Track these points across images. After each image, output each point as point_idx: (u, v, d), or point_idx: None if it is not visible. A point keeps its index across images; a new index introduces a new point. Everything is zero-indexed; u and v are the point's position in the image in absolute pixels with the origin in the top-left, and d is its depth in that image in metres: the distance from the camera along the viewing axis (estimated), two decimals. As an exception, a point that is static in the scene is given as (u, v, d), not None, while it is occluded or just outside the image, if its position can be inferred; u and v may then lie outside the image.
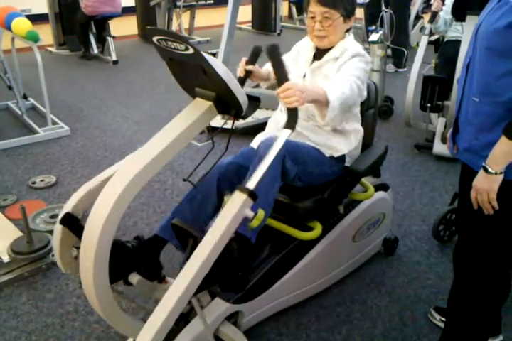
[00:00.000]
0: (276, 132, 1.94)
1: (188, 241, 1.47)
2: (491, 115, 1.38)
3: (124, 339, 1.73)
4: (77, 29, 5.94)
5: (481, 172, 1.37)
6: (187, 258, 1.40)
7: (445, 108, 3.42)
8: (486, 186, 1.36)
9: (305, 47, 1.94)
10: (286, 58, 2.00)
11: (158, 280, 1.68)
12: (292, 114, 1.47)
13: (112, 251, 1.46)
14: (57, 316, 2.01)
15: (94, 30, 6.08)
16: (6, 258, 2.25)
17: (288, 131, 1.46)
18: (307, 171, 1.80)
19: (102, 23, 5.94)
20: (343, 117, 1.81)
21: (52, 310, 2.05)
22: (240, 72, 1.82)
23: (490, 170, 1.34)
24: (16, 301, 2.09)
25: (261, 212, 1.51)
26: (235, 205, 1.35)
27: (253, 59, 1.84)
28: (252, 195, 1.35)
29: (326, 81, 1.79)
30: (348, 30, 1.86)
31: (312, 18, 1.78)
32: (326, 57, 1.84)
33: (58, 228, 1.54)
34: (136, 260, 1.62)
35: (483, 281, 1.56)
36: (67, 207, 1.57)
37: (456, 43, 3.45)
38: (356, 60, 1.78)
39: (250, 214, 1.36)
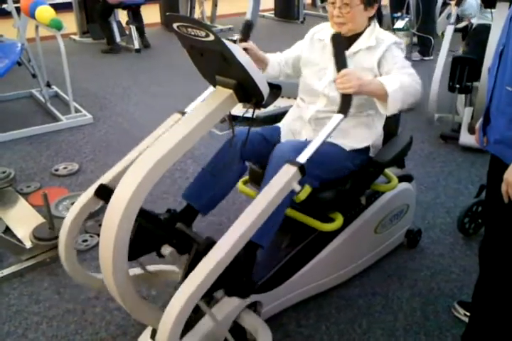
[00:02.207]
0: (297, 124, 1.92)
1: (191, 246, 1.48)
2: None
3: (144, 326, 1.73)
4: (98, 21, 5.91)
5: None
6: (190, 262, 1.43)
7: (474, 89, 3.32)
8: None
9: (325, 36, 1.87)
10: (300, 47, 1.96)
11: (189, 252, 1.70)
12: (346, 100, 1.55)
13: (145, 223, 1.53)
14: (78, 302, 2.03)
15: (117, 18, 6.09)
16: (28, 244, 2.28)
17: (340, 116, 1.53)
18: (326, 169, 1.76)
19: (135, 11, 5.86)
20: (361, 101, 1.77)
21: (73, 296, 2.07)
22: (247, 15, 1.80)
23: None
24: (37, 287, 2.12)
25: (308, 187, 1.54)
26: (284, 177, 1.42)
27: (245, 35, 1.81)
28: (301, 168, 1.43)
29: (364, 72, 1.73)
30: (372, 18, 1.80)
31: (332, 3, 1.75)
32: (358, 46, 1.79)
33: (68, 218, 1.57)
34: (168, 232, 1.64)
35: (510, 277, 1.52)
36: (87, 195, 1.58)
37: (485, 28, 3.34)
38: (395, 49, 1.76)
39: (297, 187, 1.43)
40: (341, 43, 1.56)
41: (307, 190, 1.52)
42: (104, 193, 1.58)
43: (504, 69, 1.37)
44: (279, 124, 2.00)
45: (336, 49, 1.56)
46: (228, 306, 1.66)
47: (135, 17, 5.90)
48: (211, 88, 1.74)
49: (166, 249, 1.59)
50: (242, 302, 1.69)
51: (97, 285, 1.74)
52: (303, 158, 1.45)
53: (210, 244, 1.40)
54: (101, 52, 5.88)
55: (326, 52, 1.85)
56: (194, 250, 1.47)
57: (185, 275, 1.37)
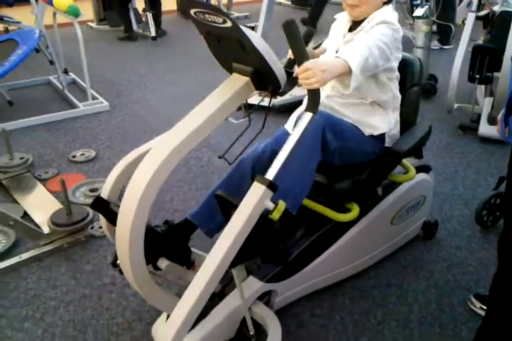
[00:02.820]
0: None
1: (231, 213, 1.42)
2: None
3: (159, 312, 1.75)
4: (116, 8, 5.88)
5: None
6: None
7: (494, 80, 3.25)
8: None
9: (342, 20, 1.86)
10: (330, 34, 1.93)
11: (187, 265, 1.68)
12: (313, 96, 1.39)
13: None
14: (95, 288, 2.06)
15: (134, 6, 6.07)
16: (46, 230, 2.31)
17: (309, 115, 1.40)
18: (347, 147, 1.74)
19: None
20: (369, 85, 1.72)
21: (89, 281, 2.09)
22: (291, 53, 1.69)
23: None
24: (55, 272, 2.15)
25: (282, 204, 1.35)
26: (254, 196, 1.34)
27: (305, 40, 1.75)
28: (271, 185, 1.32)
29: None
30: (386, 3, 1.75)
31: None
32: (359, 28, 1.76)
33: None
34: (166, 244, 1.61)
35: None
36: (108, 184, 1.58)
37: (509, 15, 3.26)
38: (382, 26, 1.67)
39: (270, 205, 1.33)
40: (296, 31, 1.33)
41: (281, 208, 1.34)
42: (101, 206, 1.55)
43: None
44: (291, 116, 1.96)
45: (289, 38, 1.34)
46: (248, 290, 1.67)
47: (152, 4, 5.87)
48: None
49: (163, 262, 1.57)
50: (261, 286, 1.71)
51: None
52: (271, 173, 1.34)
53: None
54: (118, 39, 5.88)
55: (337, 35, 1.83)
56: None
57: None
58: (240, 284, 1.56)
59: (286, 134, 1.82)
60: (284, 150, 1.38)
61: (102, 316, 1.91)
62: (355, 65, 1.52)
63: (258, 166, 1.75)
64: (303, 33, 1.70)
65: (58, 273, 2.14)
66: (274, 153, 1.73)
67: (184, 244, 1.71)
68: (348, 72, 1.53)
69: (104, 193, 1.58)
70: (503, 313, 1.60)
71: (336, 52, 1.78)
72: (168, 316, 1.65)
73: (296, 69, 1.40)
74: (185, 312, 1.34)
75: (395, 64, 1.78)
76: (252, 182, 1.71)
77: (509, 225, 1.56)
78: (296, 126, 1.40)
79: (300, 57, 1.37)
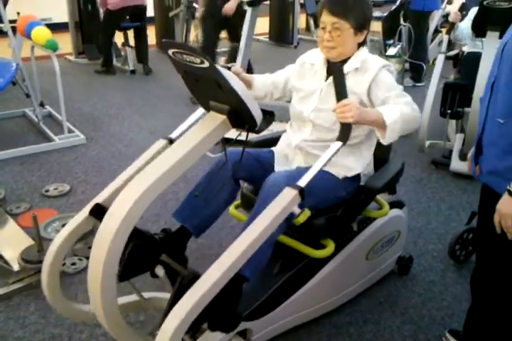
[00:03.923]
0: (287, 150, 1.92)
1: (176, 278, 1.47)
2: None
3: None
4: (100, 37, 5.88)
5: (506, 195, 1.32)
6: (174, 295, 1.42)
7: (465, 115, 3.36)
8: (510, 210, 1.31)
9: (316, 61, 1.88)
10: (291, 71, 1.97)
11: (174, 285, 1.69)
12: (345, 129, 1.58)
13: (140, 242, 1.53)
14: (65, 327, 1.99)
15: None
16: (16, 267, 2.25)
17: (339, 144, 1.57)
18: (319, 199, 1.75)
19: (137, 15, 5.73)
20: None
21: (59, 321, 2.03)
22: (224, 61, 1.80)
23: None
24: (24, 311, 2.08)
25: (307, 211, 1.50)
26: (284, 200, 1.44)
27: (232, 58, 1.83)
28: (301, 192, 1.45)
29: (350, 95, 1.76)
30: (361, 44, 1.82)
31: (323, 28, 1.75)
32: (344, 70, 1.80)
33: (55, 245, 1.56)
34: (164, 252, 1.63)
35: (502, 306, 1.51)
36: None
37: (476, 56, 3.40)
38: (386, 72, 1.77)
39: (297, 210, 1.46)
40: (341, 72, 1.59)
41: (306, 213, 1.50)
42: (99, 212, 1.56)
43: (495, 101, 1.39)
44: (272, 148, 2.01)
45: (335, 78, 1.60)
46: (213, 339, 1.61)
47: (138, 37, 5.90)
48: (196, 113, 1.80)
49: (161, 270, 1.59)
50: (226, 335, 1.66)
51: (80, 318, 1.71)
52: (303, 182, 1.47)
53: (194, 277, 1.39)
54: (95, 72, 5.88)
55: (316, 77, 1.86)
56: (178, 283, 1.45)
57: (170, 309, 1.35)
58: None
59: (271, 153, 1.96)
60: (315, 167, 1.53)
61: (72, 357, 1.85)
62: (390, 121, 1.62)
63: (238, 169, 1.83)
64: (229, 48, 1.81)
65: (27, 312, 2.07)
66: (252, 158, 1.90)
67: (181, 251, 1.77)
68: (382, 124, 1.62)
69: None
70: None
71: (320, 93, 1.82)
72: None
73: (335, 105, 1.58)
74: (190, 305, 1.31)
75: None
76: (232, 185, 1.87)
77: (481, 261, 1.59)
78: (327, 151, 1.56)
79: (341, 95, 1.58)
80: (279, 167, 1.92)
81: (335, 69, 1.61)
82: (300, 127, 1.88)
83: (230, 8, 4.60)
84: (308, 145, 1.84)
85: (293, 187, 1.46)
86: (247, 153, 1.85)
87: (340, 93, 1.59)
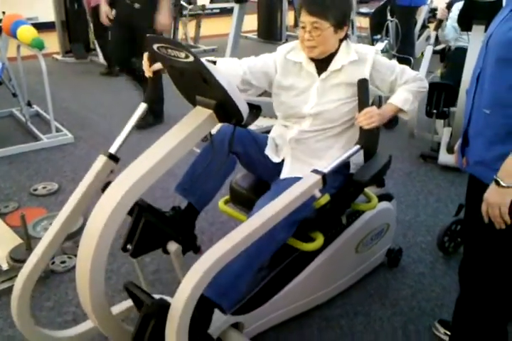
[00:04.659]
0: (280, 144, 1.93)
1: (142, 305, 1.45)
2: (503, 126, 1.34)
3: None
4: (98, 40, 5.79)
5: (493, 185, 1.33)
6: (138, 324, 1.40)
7: (451, 114, 3.39)
8: (497, 200, 1.32)
9: (301, 59, 1.86)
10: (272, 62, 1.89)
11: (194, 250, 1.77)
12: (365, 134, 1.71)
13: (151, 219, 1.58)
14: (56, 325, 1.99)
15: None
16: (5, 266, 2.23)
17: (357, 147, 1.68)
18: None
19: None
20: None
21: (50, 319, 2.02)
22: (148, 71, 1.71)
23: (502, 183, 1.30)
24: (13, 310, 2.06)
25: (327, 195, 1.57)
26: (306, 183, 1.48)
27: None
28: (324, 178, 1.51)
29: (347, 88, 1.79)
30: (342, 40, 1.82)
31: (303, 27, 1.75)
32: (336, 64, 1.80)
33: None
34: (175, 229, 1.69)
35: (490, 296, 1.53)
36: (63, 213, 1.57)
37: (463, 51, 3.43)
38: (380, 59, 1.84)
39: (318, 194, 1.52)
40: (367, 86, 1.74)
41: (326, 197, 1.56)
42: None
43: (481, 92, 1.40)
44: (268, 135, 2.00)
45: (361, 93, 1.74)
46: (213, 324, 1.61)
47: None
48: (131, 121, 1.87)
49: (172, 246, 1.65)
50: (226, 319, 1.69)
51: None
52: (328, 168, 1.55)
53: (161, 306, 1.37)
54: (100, 74, 5.73)
55: (304, 75, 1.86)
56: (143, 312, 1.42)
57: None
58: None
59: (266, 138, 1.96)
60: (342, 157, 1.62)
61: (62, 355, 1.84)
62: (406, 107, 1.84)
63: (234, 142, 1.83)
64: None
65: (17, 311, 2.06)
66: (253, 140, 1.92)
67: (191, 228, 1.82)
68: (400, 111, 1.85)
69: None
70: (466, 338, 1.63)
71: (315, 89, 1.83)
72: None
73: (357, 115, 1.73)
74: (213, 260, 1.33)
75: None
76: (228, 156, 1.85)
77: (469, 252, 1.61)
78: (346, 152, 1.66)
79: (363, 105, 1.73)
80: (269, 152, 1.94)
81: (361, 84, 1.74)
82: (297, 122, 1.88)
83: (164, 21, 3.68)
84: (306, 136, 1.85)
85: (317, 172, 1.52)
86: (245, 131, 1.87)
87: (363, 103, 1.73)
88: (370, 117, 1.69)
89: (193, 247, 1.78)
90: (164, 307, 1.35)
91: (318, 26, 1.72)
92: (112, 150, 1.71)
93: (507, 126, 1.33)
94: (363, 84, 1.73)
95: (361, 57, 1.80)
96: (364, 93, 1.74)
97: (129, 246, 1.61)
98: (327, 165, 1.57)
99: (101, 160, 1.67)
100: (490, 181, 1.34)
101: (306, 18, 1.73)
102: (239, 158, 1.96)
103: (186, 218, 1.83)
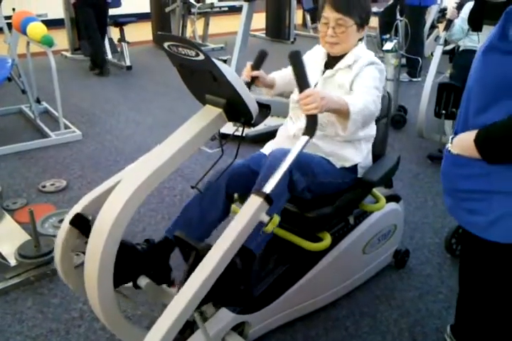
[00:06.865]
0: (286, 142, 1.92)
1: (190, 254, 1.45)
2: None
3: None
4: (86, 34, 5.75)
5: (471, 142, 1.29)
6: (188, 272, 1.39)
7: None
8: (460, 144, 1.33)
9: (316, 55, 1.90)
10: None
11: (167, 283, 1.68)
12: (311, 121, 1.48)
13: (121, 253, 1.46)
14: (62, 322, 2.00)
15: (109, 35, 6.11)
16: (13, 262, 2.24)
17: (306, 138, 1.47)
18: (317, 183, 1.76)
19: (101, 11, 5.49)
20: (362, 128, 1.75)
21: (57, 315, 2.03)
22: (246, 76, 1.80)
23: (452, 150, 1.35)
24: (21, 306, 2.08)
25: (276, 217, 1.41)
26: (250, 209, 1.37)
27: (258, 63, 1.82)
28: (268, 198, 1.37)
29: (340, 90, 1.77)
30: (360, 39, 1.83)
31: (325, 23, 1.75)
32: (339, 65, 1.82)
33: (63, 230, 1.53)
34: (146, 263, 1.62)
35: (488, 295, 1.52)
36: (75, 210, 1.56)
37: (472, 53, 3.41)
38: (372, 68, 1.75)
39: (265, 218, 1.38)
40: (300, 61, 1.45)
41: (275, 221, 1.40)
42: (80, 223, 1.51)
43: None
44: (267, 144, 2.00)
45: (294, 67, 1.46)
46: (220, 322, 1.64)
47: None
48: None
49: (143, 280, 1.57)
50: (233, 318, 1.67)
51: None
52: (268, 187, 1.39)
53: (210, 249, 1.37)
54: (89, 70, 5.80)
55: (314, 71, 1.86)
56: (193, 256, 1.42)
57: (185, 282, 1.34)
58: (203, 326, 1.52)
59: (263, 156, 1.86)
60: (282, 168, 1.43)
61: (69, 352, 1.85)
62: (355, 110, 1.57)
63: (233, 183, 1.78)
64: (257, 54, 1.77)
65: (24, 307, 2.07)
66: (249, 171, 1.81)
67: (165, 262, 1.72)
68: (346, 113, 1.57)
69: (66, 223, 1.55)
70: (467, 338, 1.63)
71: (315, 86, 1.81)
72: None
73: (298, 95, 1.48)
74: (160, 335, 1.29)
75: None
76: (226, 201, 1.76)
77: (466, 249, 1.60)
78: (294, 146, 1.46)
79: (302, 85, 1.46)
80: (272, 145, 1.92)
81: (293, 58, 1.44)
82: (297, 116, 1.89)
83: None
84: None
85: (258, 194, 1.37)
86: (241, 165, 1.83)
87: (302, 83, 1.46)
88: (313, 101, 1.42)
89: (166, 281, 1.67)
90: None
91: (342, 23, 1.72)
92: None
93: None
94: (294, 58, 1.44)
95: (358, 63, 1.77)
96: (300, 69, 1.45)
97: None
98: (271, 184, 1.40)
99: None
100: None
101: (330, 14, 1.72)
102: (240, 195, 1.90)
103: (160, 252, 1.72)
